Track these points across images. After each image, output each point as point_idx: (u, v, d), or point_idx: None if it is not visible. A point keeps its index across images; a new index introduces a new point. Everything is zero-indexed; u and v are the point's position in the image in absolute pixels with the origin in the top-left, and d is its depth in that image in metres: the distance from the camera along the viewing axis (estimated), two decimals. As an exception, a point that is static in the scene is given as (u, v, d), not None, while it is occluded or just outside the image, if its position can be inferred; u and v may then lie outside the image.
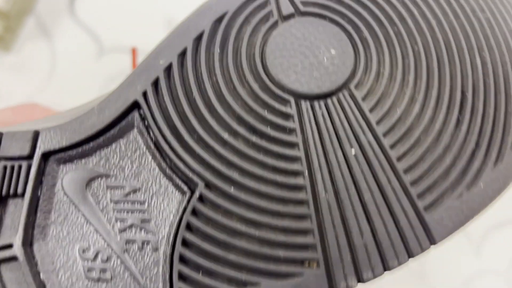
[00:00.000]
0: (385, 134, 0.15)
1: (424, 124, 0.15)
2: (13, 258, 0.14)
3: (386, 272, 0.16)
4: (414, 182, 0.15)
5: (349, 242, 0.15)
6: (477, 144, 0.15)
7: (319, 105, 0.15)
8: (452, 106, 0.15)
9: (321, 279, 0.14)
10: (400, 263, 0.15)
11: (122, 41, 0.55)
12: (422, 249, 0.15)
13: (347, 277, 0.15)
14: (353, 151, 0.15)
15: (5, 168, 0.15)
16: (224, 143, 0.15)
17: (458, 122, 0.15)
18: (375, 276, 0.15)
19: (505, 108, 0.15)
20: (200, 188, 0.15)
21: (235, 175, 0.15)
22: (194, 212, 0.15)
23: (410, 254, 0.15)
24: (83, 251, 0.15)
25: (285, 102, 0.15)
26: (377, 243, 0.15)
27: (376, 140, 0.15)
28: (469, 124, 0.15)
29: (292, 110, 0.15)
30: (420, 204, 0.15)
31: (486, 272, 0.55)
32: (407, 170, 0.15)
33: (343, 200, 0.15)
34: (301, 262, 0.15)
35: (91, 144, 0.16)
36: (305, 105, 0.15)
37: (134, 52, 0.30)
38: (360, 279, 0.15)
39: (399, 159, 0.15)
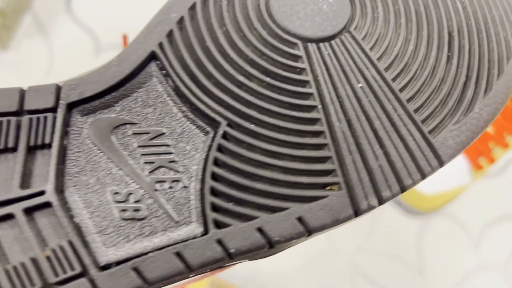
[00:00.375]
0: (386, 69, 0.17)
1: (420, 60, 0.17)
2: (47, 204, 0.15)
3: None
4: (416, 110, 0.16)
5: (366, 165, 0.16)
6: (467, 77, 0.17)
7: (324, 47, 0.17)
8: (442, 45, 0.17)
9: (344, 200, 0.16)
10: (414, 183, 0.16)
11: (118, 38, 0.55)
12: (433, 169, 0.16)
13: (368, 197, 0.16)
14: (359, 85, 0.17)
15: (31, 120, 0.16)
16: (240, 85, 0.16)
17: (449, 58, 0.17)
18: (393, 196, 0.16)
19: (487, 45, 0.17)
20: (223, 127, 0.16)
21: (254, 113, 0.16)
22: (220, 148, 0.16)
23: (422, 174, 0.16)
24: (115, 194, 0.16)
25: (293, 45, 0.17)
26: (391, 165, 0.16)
27: (379, 74, 0.17)
28: (458, 60, 0.17)
29: (300, 51, 0.17)
30: (425, 129, 0.16)
31: (485, 266, 0.55)
32: (409, 100, 0.17)
33: (355, 128, 0.16)
34: (324, 186, 0.16)
35: (113, 94, 0.17)
36: (311, 47, 0.17)
37: (125, 38, 0.31)
38: (380, 199, 0.16)
39: (401, 90, 0.17)
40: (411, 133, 0.16)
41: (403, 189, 0.16)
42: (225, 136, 0.16)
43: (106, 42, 0.55)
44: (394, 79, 0.17)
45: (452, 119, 0.17)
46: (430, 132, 0.16)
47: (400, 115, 0.16)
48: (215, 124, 0.16)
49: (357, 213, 0.16)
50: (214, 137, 0.16)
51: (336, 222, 0.16)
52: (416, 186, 0.39)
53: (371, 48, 0.17)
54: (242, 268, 0.52)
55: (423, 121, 0.16)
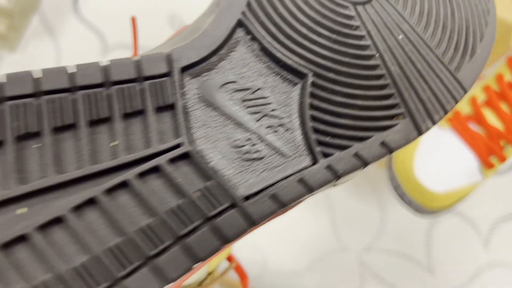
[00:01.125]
0: (416, 24, 0.21)
1: (435, 15, 0.22)
2: (185, 155, 0.18)
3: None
4: (442, 54, 0.21)
5: (419, 98, 0.20)
6: (467, 27, 0.22)
7: (369, 7, 0.21)
8: (449, 2, 0.22)
9: (410, 125, 0.20)
10: (452, 107, 0.21)
11: (126, 38, 0.55)
12: (460, 96, 0.21)
13: (425, 121, 0.20)
14: (400, 37, 0.21)
15: (152, 85, 0.18)
16: (314, 42, 0.20)
17: (453, 12, 0.22)
18: (441, 118, 0.21)
19: (474, 5, 0.23)
20: (310, 78, 0.20)
21: (330, 64, 0.20)
22: (312, 95, 0.20)
23: (455, 100, 0.21)
24: (235, 141, 0.19)
25: (345, 7, 0.21)
26: (435, 96, 0.21)
27: (411, 28, 0.21)
28: (461, 13, 0.22)
29: (352, 12, 0.21)
30: (450, 68, 0.21)
31: (495, 264, 0.54)
32: (435, 47, 0.21)
33: (405, 70, 0.21)
34: (393, 116, 0.20)
35: (213, 58, 0.20)
36: (359, 8, 0.21)
37: (134, 21, 0.31)
38: (433, 122, 0.20)
39: (429, 39, 0.21)
40: (442, 72, 0.21)
41: (446, 112, 0.21)
42: (313, 84, 0.20)
43: (113, 42, 0.55)
44: (422, 31, 0.21)
45: (465, 60, 0.21)
46: (454, 70, 0.21)
47: (432, 58, 0.21)
48: (302, 76, 0.20)
49: (420, 133, 0.20)
50: (304, 86, 0.20)
51: (407, 142, 0.20)
52: (426, 185, 0.39)
53: (402, 8, 0.21)
54: (251, 267, 0.52)
55: (448, 63, 0.21)
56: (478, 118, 0.42)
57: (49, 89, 0.17)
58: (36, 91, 0.17)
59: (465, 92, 0.21)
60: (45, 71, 0.17)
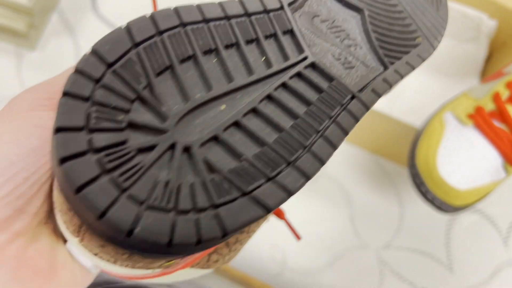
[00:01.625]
0: None
1: None
2: (311, 64, 0.23)
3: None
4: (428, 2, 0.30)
5: (426, 26, 0.28)
6: None
7: None
8: None
9: (427, 43, 0.28)
10: (443, 32, 0.29)
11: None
12: (445, 26, 0.29)
13: (434, 41, 0.28)
14: None
15: (275, 15, 0.23)
16: None
17: None
18: (441, 39, 0.29)
19: None
20: (366, 11, 0.27)
21: (373, 2, 0.28)
22: (371, 22, 0.27)
23: (443, 28, 0.29)
24: (333, 54, 0.24)
25: None
26: (434, 26, 0.29)
27: None
28: None
29: None
30: (434, 8, 0.30)
31: (515, 262, 0.54)
32: None
33: (414, 9, 0.28)
34: (415, 38, 0.27)
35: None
36: None
37: (154, 1, 0.32)
38: (438, 41, 0.28)
39: None
40: (432, 11, 0.29)
41: (441, 35, 0.29)
42: (370, 16, 0.27)
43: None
44: None
45: (440, 5, 0.30)
46: (436, 11, 0.30)
47: (424, 3, 0.29)
48: (359, 10, 0.27)
49: (433, 49, 0.28)
50: (363, 17, 0.27)
51: (429, 55, 0.27)
52: (450, 182, 0.38)
53: None
54: (270, 265, 0.52)
55: (437, 9, 0.30)
56: (502, 115, 0.41)
57: (212, 17, 0.21)
58: (203, 18, 0.21)
59: (446, 24, 0.30)
60: (204, 4, 0.21)
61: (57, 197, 0.21)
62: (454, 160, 0.41)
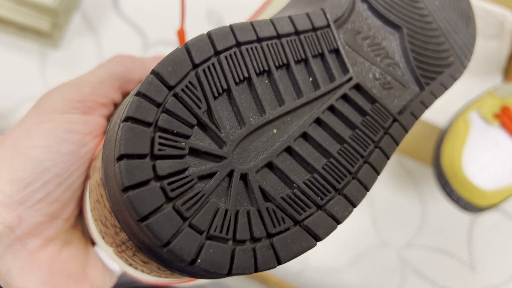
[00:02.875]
0: None
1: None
2: (356, 86, 0.23)
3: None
4: (459, 18, 0.30)
5: (457, 44, 0.27)
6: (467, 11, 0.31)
7: None
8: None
9: (458, 63, 0.27)
10: (473, 50, 0.28)
11: (166, 34, 0.55)
12: (474, 43, 0.29)
13: (465, 61, 0.27)
14: (436, 3, 0.28)
15: (322, 33, 0.23)
16: (401, 5, 0.27)
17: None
18: (471, 57, 0.28)
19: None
20: (405, 29, 0.26)
21: (411, 20, 0.27)
22: (409, 41, 0.26)
23: (473, 45, 0.28)
24: (373, 75, 0.24)
25: None
26: (466, 45, 0.28)
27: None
28: None
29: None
30: (470, 31, 0.30)
31: (538, 261, 0.54)
32: (454, 13, 0.29)
33: (447, 27, 0.28)
34: (447, 57, 0.27)
35: (345, 14, 0.24)
36: None
37: (181, 35, 0.32)
38: (468, 60, 0.27)
39: (450, 9, 0.29)
40: (462, 28, 0.28)
41: (471, 54, 0.28)
42: (408, 34, 0.26)
43: (153, 38, 0.55)
44: (446, 3, 0.29)
45: (469, 22, 0.29)
46: (466, 27, 0.29)
47: (454, 19, 0.28)
48: (398, 28, 0.26)
49: (464, 69, 0.27)
50: (402, 36, 0.26)
51: (460, 75, 0.27)
52: (476, 183, 0.38)
53: None
54: (292, 264, 0.52)
55: (467, 26, 0.29)
56: (529, 114, 0.41)
57: (265, 36, 0.21)
58: (258, 37, 0.21)
59: (475, 42, 0.29)
60: (256, 22, 0.21)
61: (98, 208, 0.21)
62: (480, 160, 0.41)
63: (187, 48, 0.18)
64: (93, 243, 0.26)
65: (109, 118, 0.26)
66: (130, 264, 0.22)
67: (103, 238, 0.22)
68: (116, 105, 0.27)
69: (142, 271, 0.22)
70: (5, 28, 0.51)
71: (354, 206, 0.21)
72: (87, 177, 0.24)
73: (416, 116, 0.24)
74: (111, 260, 0.25)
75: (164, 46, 0.55)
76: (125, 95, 0.27)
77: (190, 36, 0.50)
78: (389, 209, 0.54)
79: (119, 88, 0.26)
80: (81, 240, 0.26)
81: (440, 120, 0.50)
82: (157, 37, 0.55)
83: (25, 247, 0.22)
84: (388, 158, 0.23)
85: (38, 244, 0.23)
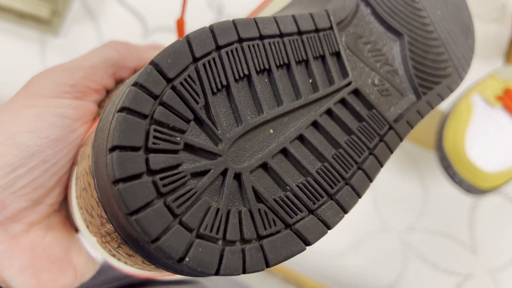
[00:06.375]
0: (444, 9, 0.29)
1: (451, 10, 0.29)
2: (354, 90, 0.23)
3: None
4: (459, 30, 0.29)
5: (456, 55, 0.27)
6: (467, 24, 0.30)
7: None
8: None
9: (455, 74, 0.27)
10: (470, 62, 0.28)
11: (166, 21, 0.55)
12: (472, 54, 0.29)
13: (462, 72, 0.27)
14: (438, 12, 0.28)
15: (325, 35, 0.22)
16: (403, 12, 0.26)
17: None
18: (468, 70, 0.28)
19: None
20: (406, 37, 0.26)
21: (412, 28, 0.26)
22: (410, 49, 0.25)
23: (471, 57, 0.28)
24: (372, 81, 0.23)
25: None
26: (464, 57, 0.28)
27: (445, 6, 0.29)
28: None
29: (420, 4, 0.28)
30: (469, 42, 0.29)
31: (539, 244, 0.54)
32: (455, 24, 0.29)
33: (447, 37, 0.27)
34: (445, 68, 0.26)
35: (348, 17, 0.24)
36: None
37: (180, 24, 0.31)
38: (465, 72, 0.27)
39: (451, 19, 0.29)
40: (461, 39, 0.28)
41: (469, 66, 0.28)
42: (409, 42, 0.26)
43: (153, 24, 0.55)
44: (449, 14, 0.28)
45: (468, 34, 0.29)
46: (466, 39, 0.29)
47: (455, 31, 0.28)
48: (399, 34, 0.26)
49: (461, 80, 0.27)
50: (402, 43, 0.26)
51: (456, 86, 0.27)
52: (478, 165, 0.38)
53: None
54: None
55: (466, 38, 0.29)
56: (531, 96, 0.41)
57: (267, 34, 0.20)
58: (260, 35, 0.20)
59: (473, 54, 0.29)
60: (260, 19, 0.20)
61: (84, 197, 0.21)
62: (483, 143, 0.41)
63: (188, 41, 0.18)
64: (76, 229, 0.26)
65: (100, 104, 0.25)
66: (114, 255, 0.21)
67: (88, 227, 0.22)
68: (108, 91, 0.26)
69: (125, 262, 0.21)
70: (5, 16, 0.51)
71: (346, 212, 0.20)
72: (74, 163, 0.24)
73: (411, 125, 0.24)
74: (93, 249, 0.24)
75: (164, 33, 0.55)
76: (118, 81, 0.26)
77: (190, 23, 0.50)
78: (391, 193, 0.54)
79: (112, 74, 0.25)
80: (65, 225, 0.25)
81: (442, 104, 0.50)
82: (157, 23, 0.55)
83: (7, 232, 0.22)
84: (381, 166, 0.23)
85: (20, 229, 0.23)
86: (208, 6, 0.56)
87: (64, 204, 0.25)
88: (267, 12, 0.27)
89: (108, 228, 0.19)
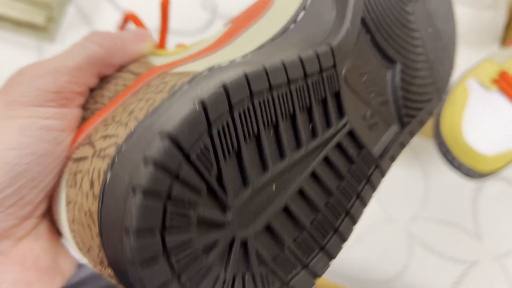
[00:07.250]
0: (431, 27, 0.29)
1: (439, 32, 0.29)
2: (349, 132, 0.22)
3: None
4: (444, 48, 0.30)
5: (440, 77, 0.27)
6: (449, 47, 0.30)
7: (416, 13, 0.28)
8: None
9: (437, 98, 0.27)
10: (449, 82, 0.28)
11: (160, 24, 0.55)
12: (452, 72, 0.29)
13: (444, 89, 0.27)
14: (429, 30, 0.28)
15: (328, 76, 0.21)
16: (398, 41, 0.26)
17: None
18: (447, 93, 0.26)
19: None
20: (399, 65, 0.25)
21: (404, 52, 0.26)
22: (401, 78, 0.25)
23: (451, 76, 0.29)
24: (362, 115, 0.23)
25: (409, 13, 0.27)
26: (446, 75, 0.28)
27: (432, 26, 0.29)
28: None
29: (412, 17, 0.27)
30: (452, 57, 0.30)
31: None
32: (439, 43, 0.29)
33: (432, 53, 0.27)
34: (429, 93, 0.26)
35: (350, 49, 0.23)
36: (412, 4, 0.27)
37: (165, 5, 0.30)
38: (446, 94, 0.25)
39: (435, 39, 0.29)
40: (448, 59, 0.28)
41: (448, 87, 0.28)
42: (401, 70, 0.25)
43: (149, 28, 0.55)
44: (433, 32, 0.28)
45: (453, 54, 0.30)
46: (451, 60, 0.28)
47: (442, 49, 0.28)
48: (392, 62, 0.25)
49: (440, 102, 0.27)
50: (395, 70, 0.25)
51: (435, 109, 0.27)
52: (476, 148, 0.38)
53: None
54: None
55: (449, 53, 0.28)
56: (527, 78, 0.41)
57: (276, 84, 0.19)
58: (270, 86, 0.19)
59: (453, 72, 0.29)
60: (270, 67, 0.19)
61: (80, 232, 0.20)
62: (480, 126, 0.41)
63: (203, 106, 0.16)
64: (59, 233, 0.25)
65: (84, 106, 0.24)
66: (95, 267, 0.21)
67: (78, 246, 0.21)
68: (91, 90, 0.25)
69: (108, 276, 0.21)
70: (1, 24, 0.52)
71: (333, 258, 0.21)
72: (60, 176, 0.23)
73: (394, 159, 0.24)
74: (79, 257, 0.24)
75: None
76: (102, 78, 0.25)
77: (184, 24, 0.50)
78: (393, 184, 0.54)
79: (97, 73, 0.24)
80: (51, 232, 0.24)
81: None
82: (152, 27, 0.55)
83: None
84: (365, 207, 0.23)
85: (9, 245, 0.22)
86: (202, 7, 0.56)
87: (48, 210, 0.24)
88: (265, 22, 0.25)
89: (104, 265, 0.19)
